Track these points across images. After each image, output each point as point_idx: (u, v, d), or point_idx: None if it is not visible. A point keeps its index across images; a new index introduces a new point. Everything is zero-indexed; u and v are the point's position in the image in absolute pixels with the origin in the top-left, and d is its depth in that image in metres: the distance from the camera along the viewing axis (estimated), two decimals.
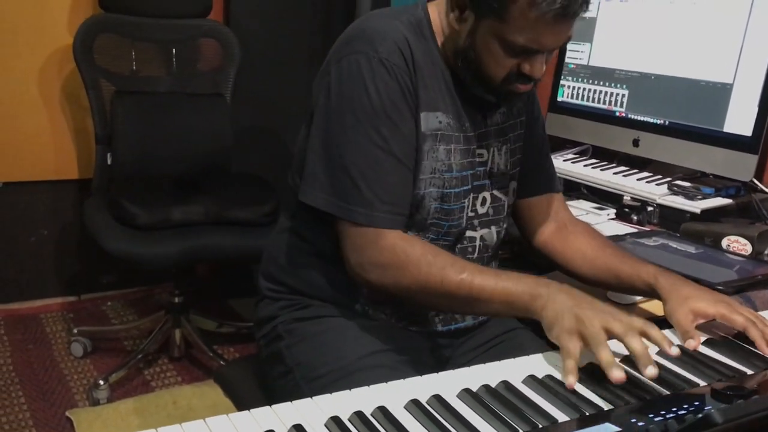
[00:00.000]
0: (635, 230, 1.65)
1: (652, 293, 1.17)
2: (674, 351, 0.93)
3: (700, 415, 0.60)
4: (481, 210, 1.25)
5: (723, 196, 1.69)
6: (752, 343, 1.04)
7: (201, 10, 2.51)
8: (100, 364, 2.43)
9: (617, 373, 0.88)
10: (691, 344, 1.03)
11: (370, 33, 1.13)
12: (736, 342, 1.06)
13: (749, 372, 0.97)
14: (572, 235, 1.33)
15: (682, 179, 1.77)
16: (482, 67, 1.11)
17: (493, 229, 1.27)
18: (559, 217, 1.36)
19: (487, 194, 1.25)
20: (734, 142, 1.70)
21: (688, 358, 1.00)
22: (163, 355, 2.49)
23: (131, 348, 2.54)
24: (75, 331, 2.51)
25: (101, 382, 2.20)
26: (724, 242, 1.53)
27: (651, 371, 0.90)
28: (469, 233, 1.24)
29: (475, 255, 1.25)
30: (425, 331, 1.24)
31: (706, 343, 1.06)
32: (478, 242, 1.25)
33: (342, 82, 1.12)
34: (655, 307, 1.26)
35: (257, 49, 2.72)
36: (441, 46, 1.18)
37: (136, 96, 2.45)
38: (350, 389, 0.88)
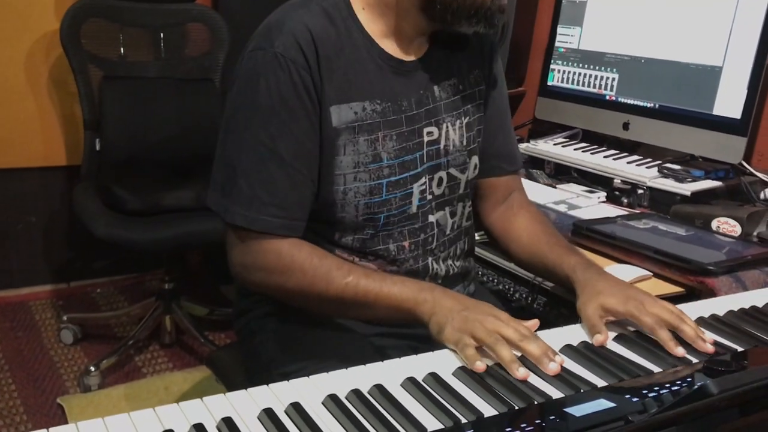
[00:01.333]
0: (626, 213, 1.66)
1: (570, 285, 1.13)
2: (552, 367, 0.88)
3: (695, 387, 0.60)
4: (437, 191, 1.20)
5: (713, 179, 1.70)
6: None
7: None
8: (90, 351, 2.42)
9: (522, 371, 0.87)
10: (598, 339, 0.98)
11: (271, 26, 1.09)
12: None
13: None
14: (516, 218, 1.31)
15: (672, 162, 1.78)
16: None
17: (447, 210, 1.22)
18: (511, 199, 1.33)
19: (443, 174, 1.20)
20: (723, 124, 1.71)
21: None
22: (154, 341, 2.48)
23: (122, 335, 2.53)
24: (65, 318, 2.50)
25: (92, 369, 2.19)
26: (714, 224, 1.54)
27: (554, 367, 0.88)
28: (430, 218, 1.20)
29: (434, 243, 1.21)
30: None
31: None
32: (435, 228, 1.21)
33: (240, 79, 1.09)
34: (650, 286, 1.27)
35: (246, 34, 2.68)
36: (366, 26, 1.12)
37: (124, 81, 2.43)
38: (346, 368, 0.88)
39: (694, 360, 0.94)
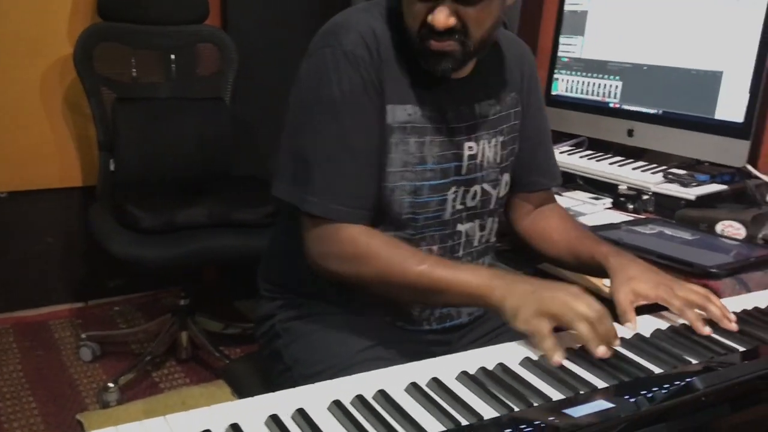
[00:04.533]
0: (631, 218, 1.67)
1: (603, 273, 1.19)
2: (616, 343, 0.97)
3: (682, 383, 0.62)
4: (470, 203, 1.25)
5: (718, 183, 1.72)
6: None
7: (199, 16, 2.54)
8: (108, 368, 2.46)
9: (601, 349, 0.93)
10: (629, 326, 1.05)
11: (338, 26, 1.15)
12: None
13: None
14: (545, 219, 1.36)
15: (677, 167, 1.80)
16: (405, 22, 1.12)
17: (477, 222, 1.27)
18: (544, 207, 1.39)
19: (477, 187, 1.25)
20: (727, 128, 1.73)
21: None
22: (171, 357, 2.52)
23: (139, 351, 2.57)
24: (83, 336, 2.54)
25: (111, 385, 2.23)
26: (719, 227, 1.56)
27: (617, 343, 0.97)
28: (459, 227, 1.25)
29: (461, 252, 1.26)
30: (420, 329, 1.25)
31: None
32: (463, 237, 1.25)
33: (309, 76, 1.14)
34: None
35: (255, 52, 2.75)
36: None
37: (137, 102, 2.49)
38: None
39: (694, 361, 0.96)
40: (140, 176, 2.38)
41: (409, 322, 1.25)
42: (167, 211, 2.17)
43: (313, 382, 0.89)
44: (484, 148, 1.25)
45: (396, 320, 1.24)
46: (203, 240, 2.17)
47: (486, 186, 1.26)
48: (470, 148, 1.23)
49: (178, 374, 2.44)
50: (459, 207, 1.23)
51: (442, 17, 1.06)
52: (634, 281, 1.11)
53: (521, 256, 1.55)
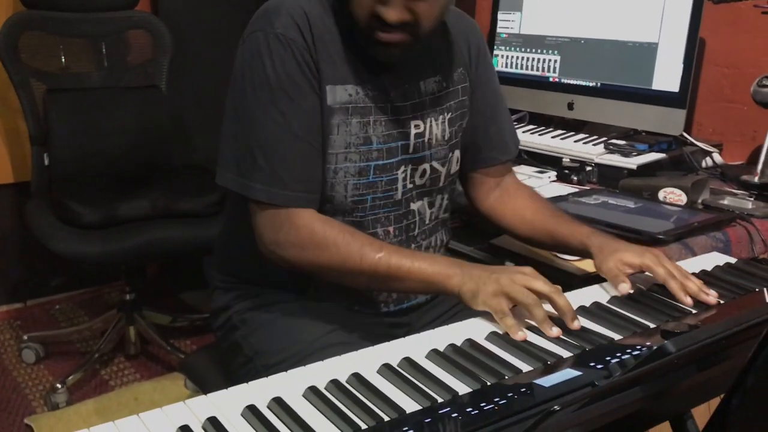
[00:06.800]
0: (576, 190, 1.71)
1: (585, 252, 1.22)
2: (576, 324, 0.98)
3: (654, 348, 0.65)
4: (419, 182, 1.25)
5: (656, 151, 1.77)
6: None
7: (128, 2, 2.46)
8: (54, 369, 2.39)
9: (555, 330, 0.96)
10: (623, 288, 1.08)
11: (268, 10, 1.13)
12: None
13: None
14: (513, 199, 1.37)
15: (617, 138, 1.85)
16: (352, 11, 1.10)
17: (425, 200, 1.27)
18: (505, 183, 1.39)
19: (426, 166, 1.25)
20: (663, 98, 1.78)
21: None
22: (119, 353, 2.47)
23: (85, 350, 2.51)
24: (25, 337, 2.46)
25: (59, 386, 2.17)
26: (661, 194, 1.61)
27: (576, 324, 0.98)
28: (411, 206, 1.25)
29: (416, 231, 1.26)
30: (378, 312, 1.26)
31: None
32: (416, 216, 1.26)
33: (244, 61, 1.13)
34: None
35: (190, 37, 2.69)
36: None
37: (68, 93, 2.40)
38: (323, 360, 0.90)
39: (652, 325, 0.99)
40: (77, 170, 2.30)
41: (367, 306, 1.25)
42: (109, 205, 2.11)
43: (276, 372, 0.88)
44: (431, 126, 1.25)
45: (353, 304, 1.24)
46: (148, 233, 2.12)
47: (435, 164, 1.27)
48: (417, 126, 1.22)
49: (128, 370, 2.40)
50: (409, 186, 1.23)
51: (394, 13, 1.06)
52: (620, 252, 1.14)
53: (473, 232, 1.57)
